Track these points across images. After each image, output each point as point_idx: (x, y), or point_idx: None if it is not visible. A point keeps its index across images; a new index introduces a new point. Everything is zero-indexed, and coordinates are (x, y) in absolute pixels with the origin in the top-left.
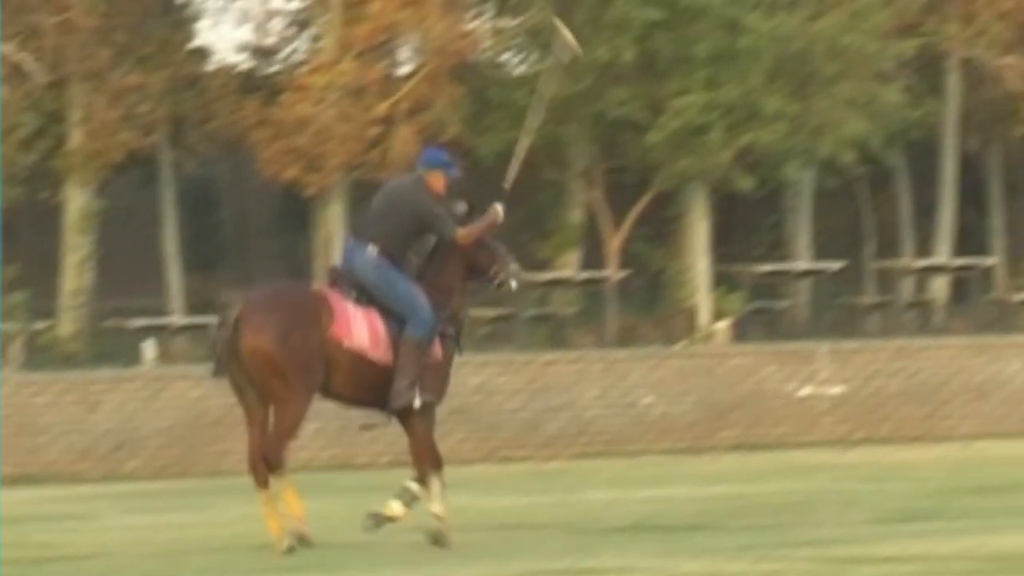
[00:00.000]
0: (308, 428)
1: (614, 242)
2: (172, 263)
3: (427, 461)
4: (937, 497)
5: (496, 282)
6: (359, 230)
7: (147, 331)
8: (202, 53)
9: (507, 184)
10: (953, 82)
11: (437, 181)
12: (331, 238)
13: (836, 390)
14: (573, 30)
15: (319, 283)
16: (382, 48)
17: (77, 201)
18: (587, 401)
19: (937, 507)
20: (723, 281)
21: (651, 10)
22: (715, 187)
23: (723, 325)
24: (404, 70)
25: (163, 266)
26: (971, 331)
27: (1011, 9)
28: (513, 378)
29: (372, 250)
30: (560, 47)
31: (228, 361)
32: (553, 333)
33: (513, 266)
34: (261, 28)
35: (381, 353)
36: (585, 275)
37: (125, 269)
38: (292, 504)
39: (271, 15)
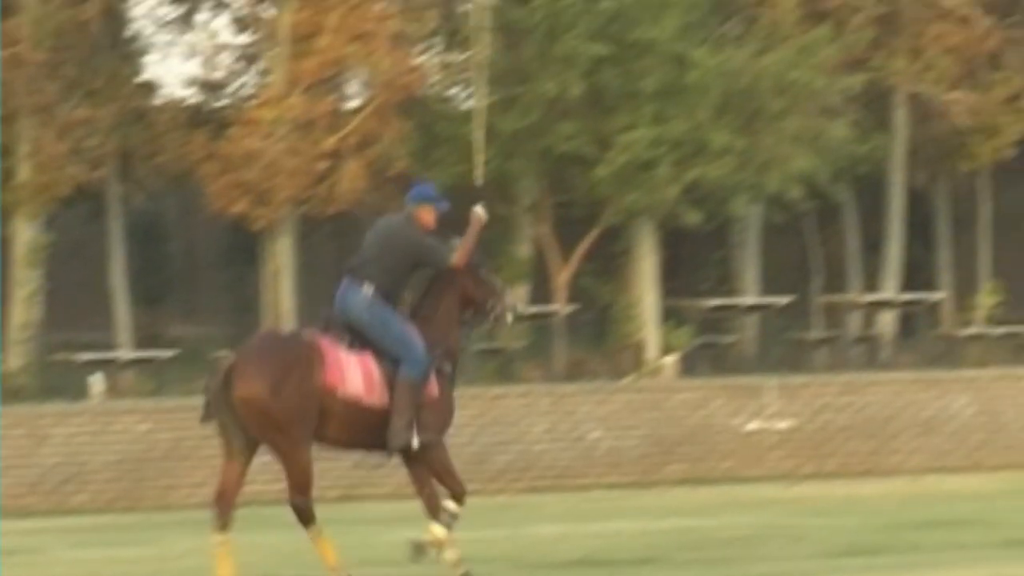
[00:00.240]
0: (256, 462)
1: (562, 276)
2: (120, 297)
3: (449, 488)
4: (885, 532)
5: (492, 317)
6: (353, 271)
7: (95, 365)
8: (150, 87)
9: (478, 181)
10: (900, 117)
11: (427, 216)
12: (279, 272)
13: (784, 424)
14: (521, 65)
15: (311, 330)
16: (330, 82)
17: (25, 235)
18: (535, 435)
19: (885, 542)
20: (671, 316)
21: (599, 45)
22: (663, 222)
23: (671, 359)
24: (352, 104)
25: (111, 300)
26: (918, 366)
27: (958, 44)
28: (461, 412)
29: (368, 289)
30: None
31: (218, 409)
32: (501, 367)
33: (509, 300)
34: (209, 62)
35: (376, 398)
36: (533, 309)
37: (73, 303)
38: (326, 553)
39: (219, 49)
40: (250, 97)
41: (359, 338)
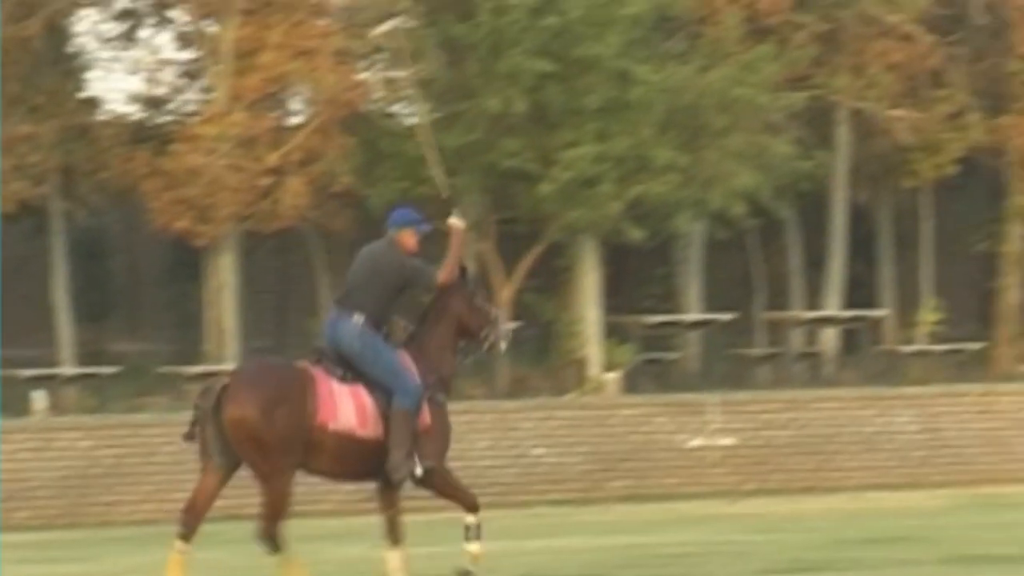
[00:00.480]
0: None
1: (505, 293)
2: (63, 313)
3: (462, 504)
4: (827, 548)
5: (487, 345)
6: (341, 301)
7: (38, 381)
8: (93, 103)
9: (444, 194)
10: (843, 134)
11: (409, 239)
12: (223, 288)
13: (726, 441)
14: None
15: (303, 361)
16: (273, 99)
17: None
18: (478, 452)
19: (827, 558)
20: (614, 332)
21: (542, 61)
22: (606, 238)
23: (614, 376)
24: (295, 121)
25: (54, 316)
26: (861, 383)
27: (900, 62)
28: None
29: (358, 319)
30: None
31: (205, 428)
32: None
33: (504, 328)
34: (152, 78)
35: (369, 430)
36: None
37: (15, 319)
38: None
39: (162, 65)
40: (193, 113)
41: (351, 369)
